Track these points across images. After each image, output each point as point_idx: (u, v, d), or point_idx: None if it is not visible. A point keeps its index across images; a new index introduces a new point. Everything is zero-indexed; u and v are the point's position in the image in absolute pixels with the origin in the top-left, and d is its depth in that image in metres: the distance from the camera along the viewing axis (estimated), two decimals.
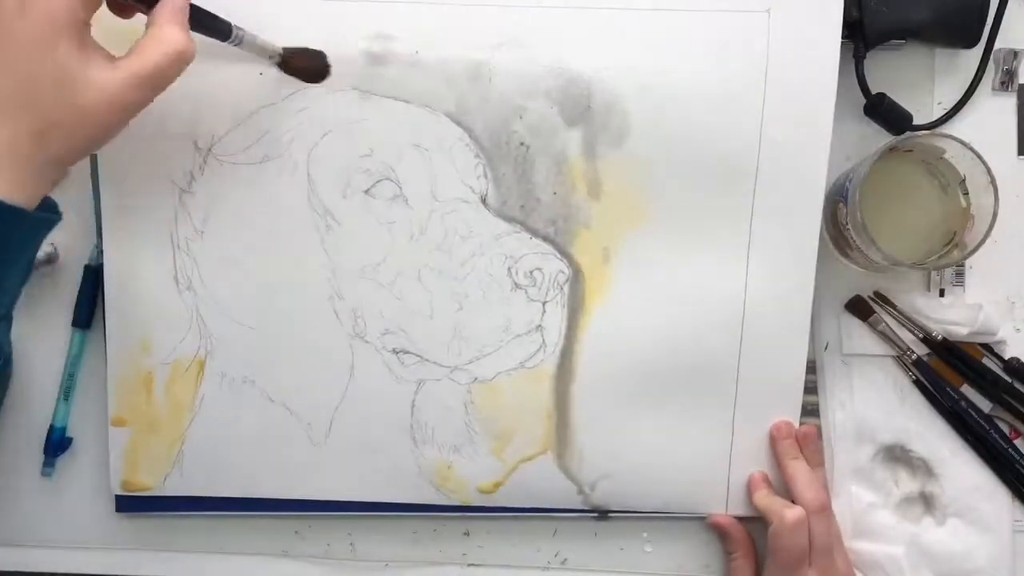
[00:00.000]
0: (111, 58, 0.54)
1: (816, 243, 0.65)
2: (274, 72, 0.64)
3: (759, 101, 0.64)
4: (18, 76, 0.51)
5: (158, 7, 0.54)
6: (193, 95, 0.64)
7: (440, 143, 0.64)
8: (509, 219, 0.65)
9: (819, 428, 0.68)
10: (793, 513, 0.64)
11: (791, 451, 0.66)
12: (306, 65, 0.64)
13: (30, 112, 0.51)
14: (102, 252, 0.67)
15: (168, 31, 0.53)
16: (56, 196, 0.70)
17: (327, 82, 0.64)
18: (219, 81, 0.64)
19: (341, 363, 0.66)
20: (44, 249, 0.69)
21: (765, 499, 0.66)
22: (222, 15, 0.59)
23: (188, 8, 0.55)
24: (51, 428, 0.70)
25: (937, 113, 0.69)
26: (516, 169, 0.65)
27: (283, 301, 0.66)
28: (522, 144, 0.64)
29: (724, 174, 0.65)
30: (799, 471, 0.66)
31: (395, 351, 0.66)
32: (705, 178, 0.65)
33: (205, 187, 0.65)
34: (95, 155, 0.65)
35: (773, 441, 0.67)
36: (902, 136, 0.67)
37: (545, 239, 0.65)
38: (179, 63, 0.54)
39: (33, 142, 0.52)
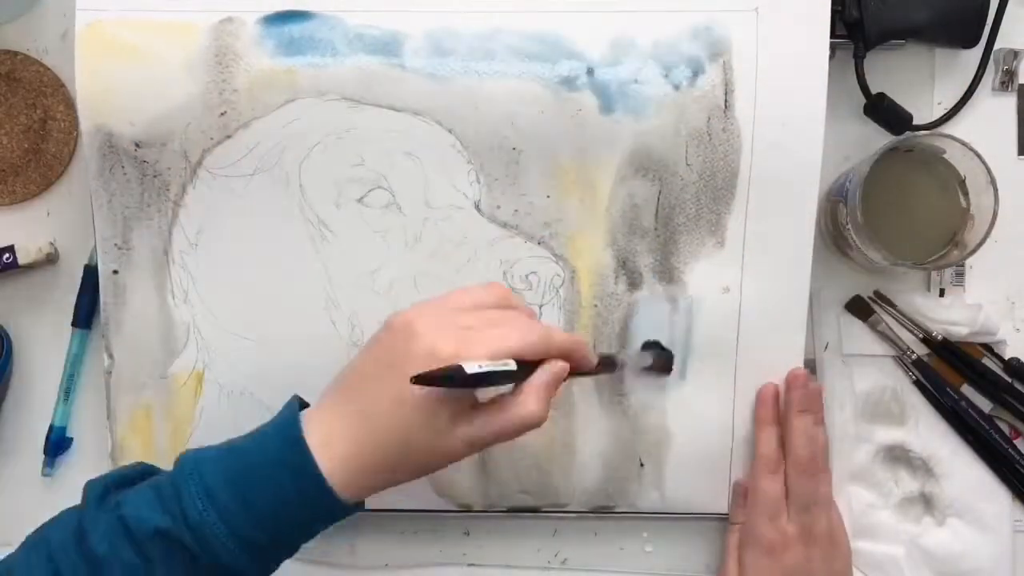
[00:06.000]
0: (468, 412, 0.53)
1: (811, 242, 0.65)
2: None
3: (750, 100, 0.64)
4: (396, 425, 0.52)
5: (531, 381, 0.53)
6: (183, 108, 0.64)
7: (431, 150, 0.64)
8: (503, 224, 0.65)
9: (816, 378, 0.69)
10: (768, 458, 0.65)
11: (801, 403, 0.65)
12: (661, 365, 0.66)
13: (388, 450, 0.53)
14: None
15: (532, 403, 0.52)
16: (57, 195, 0.71)
17: (317, 92, 0.64)
18: (208, 94, 0.64)
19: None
20: (44, 249, 0.69)
21: (759, 445, 0.66)
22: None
23: (558, 380, 0.54)
24: (51, 428, 0.70)
25: (937, 113, 0.69)
26: (508, 174, 0.65)
27: (280, 311, 0.66)
28: (514, 149, 0.64)
29: (716, 174, 0.65)
30: (799, 425, 0.65)
31: None
32: (697, 178, 0.65)
33: (197, 200, 0.65)
34: (90, 161, 0.65)
35: (786, 388, 0.66)
36: (902, 136, 0.66)
37: (540, 243, 0.65)
38: (525, 431, 0.54)
39: (380, 466, 0.53)
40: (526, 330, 0.53)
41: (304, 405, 0.55)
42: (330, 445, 0.52)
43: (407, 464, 0.53)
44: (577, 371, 0.56)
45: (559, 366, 0.54)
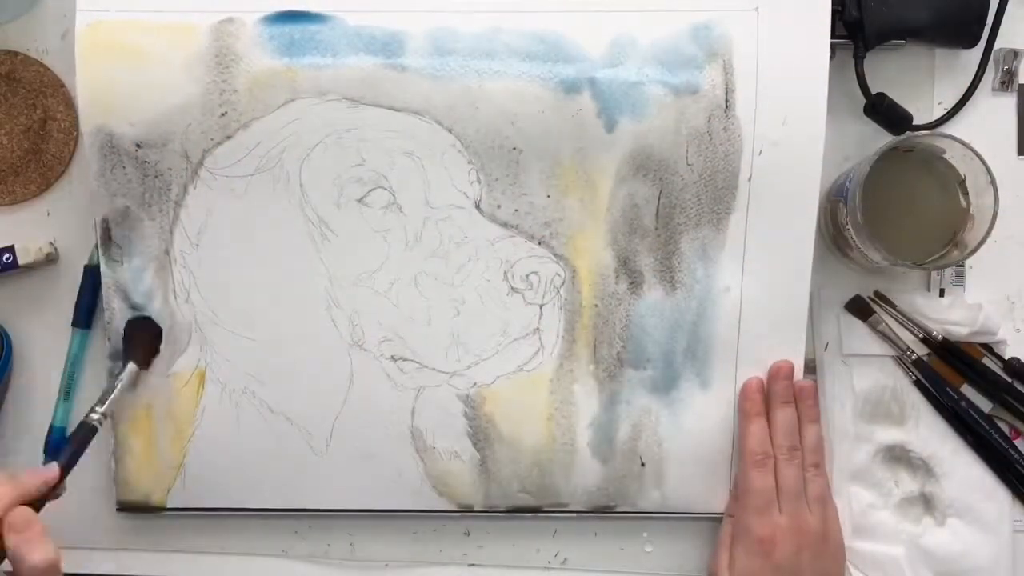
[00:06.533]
0: None
1: (812, 243, 0.65)
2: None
3: (750, 100, 0.64)
4: None
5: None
6: (183, 108, 0.64)
7: (432, 150, 0.64)
8: (503, 224, 0.65)
9: (816, 383, 0.69)
10: (752, 451, 0.64)
11: (784, 395, 0.66)
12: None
13: None
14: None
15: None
16: (57, 195, 0.71)
17: (318, 92, 0.63)
18: (209, 94, 0.63)
19: (340, 371, 0.66)
20: (44, 249, 0.69)
21: (744, 439, 0.66)
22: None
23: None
24: (51, 428, 0.70)
25: (937, 113, 0.69)
26: (509, 174, 0.65)
27: (281, 311, 0.66)
28: (514, 149, 0.64)
29: (717, 174, 0.65)
30: (782, 417, 0.65)
31: (394, 358, 0.66)
32: (698, 178, 0.65)
33: (198, 200, 0.65)
34: (91, 162, 0.65)
35: (769, 380, 0.66)
36: (902, 136, 0.66)
37: (540, 243, 0.65)
38: None
39: None
40: None
41: None
42: None
43: None
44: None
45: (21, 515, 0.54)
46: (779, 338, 0.66)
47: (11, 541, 0.53)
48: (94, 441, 0.69)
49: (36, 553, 0.53)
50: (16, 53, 0.70)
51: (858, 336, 0.69)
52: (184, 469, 0.67)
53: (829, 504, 0.66)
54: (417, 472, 0.67)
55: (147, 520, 0.70)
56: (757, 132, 0.64)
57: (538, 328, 0.66)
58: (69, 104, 0.70)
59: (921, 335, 0.69)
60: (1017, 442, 0.68)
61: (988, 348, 0.69)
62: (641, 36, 0.64)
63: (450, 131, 0.64)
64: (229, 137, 0.64)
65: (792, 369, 0.66)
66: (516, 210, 0.65)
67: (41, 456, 0.70)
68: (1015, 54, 0.69)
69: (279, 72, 0.63)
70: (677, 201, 0.65)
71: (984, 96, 0.69)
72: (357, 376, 0.66)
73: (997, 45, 0.68)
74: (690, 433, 0.67)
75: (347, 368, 0.66)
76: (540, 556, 0.71)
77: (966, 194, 0.64)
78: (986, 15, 0.67)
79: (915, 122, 0.67)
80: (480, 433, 0.67)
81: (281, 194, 0.65)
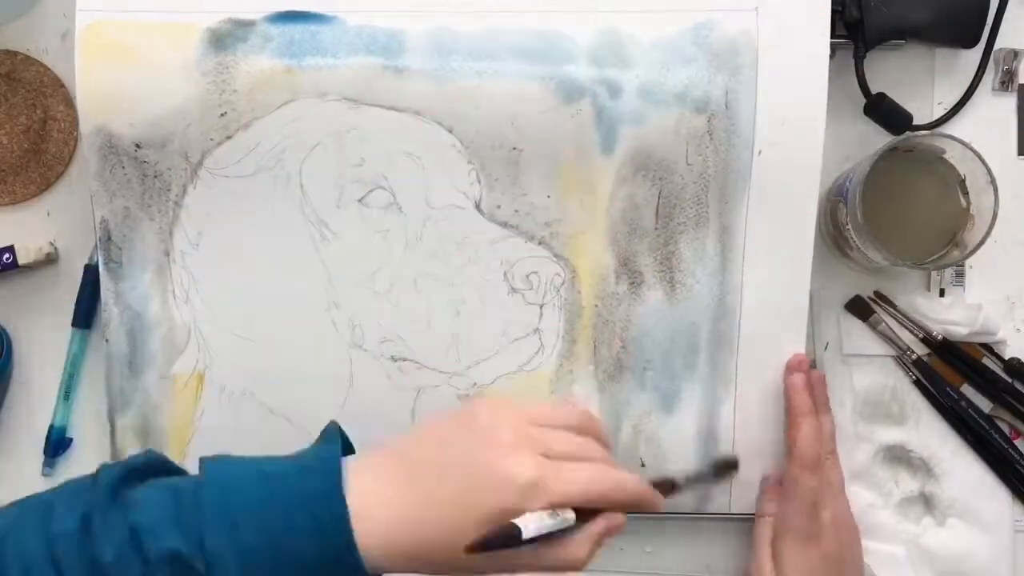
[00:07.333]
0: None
1: (811, 243, 0.65)
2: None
3: (750, 100, 0.64)
4: (446, 534, 0.48)
5: (588, 529, 0.51)
6: (183, 109, 0.63)
7: (432, 150, 0.64)
8: (503, 224, 0.65)
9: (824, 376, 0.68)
10: (810, 456, 0.63)
11: (805, 406, 0.64)
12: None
13: (431, 549, 0.49)
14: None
15: (581, 552, 0.50)
16: (57, 195, 0.71)
17: (318, 92, 0.63)
18: (208, 95, 0.63)
19: (340, 372, 0.66)
20: (44, 249, 0.69)
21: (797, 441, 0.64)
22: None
23: (614, 532, 0.51)
24: (51, 428, 0.70)
25: (937, 113, 0.69)
26: (509, 174, 0.65)
27: (280, 312, 0.66)
28: (514, 149, 0.64)
29: (716, 174, 0.65)
30: (805, 427, 0.64)
31: (394, 359, 0.66)
32: (697, 178, 0.65)
33: (198, 201, 0.65)
34: (90, 162, 0.65)
35: (789, 390, 0.65)
36: (902, 136, 0.66)
37: (540, 243, 0.65)
38: (564, 572, 0.51)
39: (414, 558, 0.49)
40: (599, 475, 0.51)
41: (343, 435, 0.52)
42: (370, 515, 0.48)
43: (441, 564, 0.50)
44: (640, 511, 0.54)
45: (619, 520, 0.52)
46: (779, 338, 0.66)
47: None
48: (93, 441, 0.70)
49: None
50: (16, 53, 0.70)
51: (858, 336, 0.69)
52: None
53: (843, 490, 0.66)
54: None
55: None
56: (757, 132, 0.64)
57: (538, 328, 0.66)
58: (69, 104, 0.70)
59: (921, 335, 0.69)
60: (1017, 442, 0.68)
61: (988, 348, 0.69)
62: (641, 36, 0.64)
63: (450, 131, 0.64)
64: (229, 137, 0.64)
65: (804, 377, 0.65)
66: (516, 210, 0.65)
67: (41, 456, 0.70)
68: (1015, 54, 0.69)
69: (279, 72, 0.63)
70: (677, 201, 0.65)
71: (984, 96, 0.69)
72: (357, 377, 0.66)
73: (997, 45, 0.68)
74: (692, 433, 0.67)
75: (347, 369, 0.66)
76: None
77: (966, 194, 0.64)
78: (986, 15, 0.67)
79: (915, 122, 0.67)
80: None
81: (281, 194, 0.65)
